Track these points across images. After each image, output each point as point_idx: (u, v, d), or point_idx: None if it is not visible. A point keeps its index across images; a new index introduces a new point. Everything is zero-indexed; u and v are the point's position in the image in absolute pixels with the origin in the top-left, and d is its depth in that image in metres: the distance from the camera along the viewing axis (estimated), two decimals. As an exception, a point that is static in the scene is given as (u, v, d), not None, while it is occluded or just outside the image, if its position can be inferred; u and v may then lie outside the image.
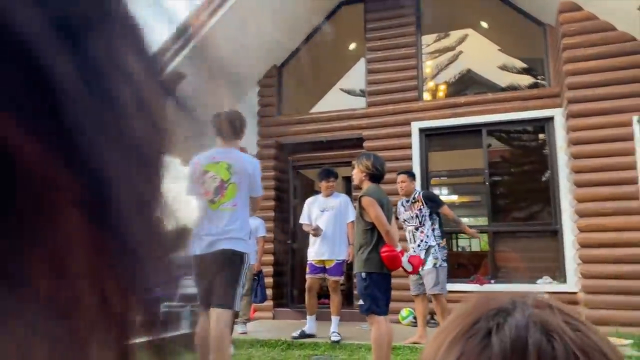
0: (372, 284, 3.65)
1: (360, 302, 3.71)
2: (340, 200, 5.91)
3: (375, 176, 3.89)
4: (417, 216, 5.38)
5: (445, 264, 5.24)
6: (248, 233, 3.42)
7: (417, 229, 5.38)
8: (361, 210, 3.78)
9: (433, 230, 5.30)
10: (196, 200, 3.35)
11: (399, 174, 5.63)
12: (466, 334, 0.44)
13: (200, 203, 3.27)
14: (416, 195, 5.46)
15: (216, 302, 3.19)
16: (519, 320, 0.43)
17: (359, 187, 4.11)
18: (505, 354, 0.41)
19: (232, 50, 7.44)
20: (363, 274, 3.66)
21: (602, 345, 0.43)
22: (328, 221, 5.67)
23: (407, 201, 5.50)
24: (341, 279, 5.91)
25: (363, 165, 3.89)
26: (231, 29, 7.09)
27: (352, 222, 4.92)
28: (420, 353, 0.47)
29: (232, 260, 3.22)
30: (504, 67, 7.87)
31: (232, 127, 3.43)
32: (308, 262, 5.89)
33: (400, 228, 5.09)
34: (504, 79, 7.80)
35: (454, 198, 10.66)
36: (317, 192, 6.56)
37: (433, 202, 5.40)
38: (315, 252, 5.79)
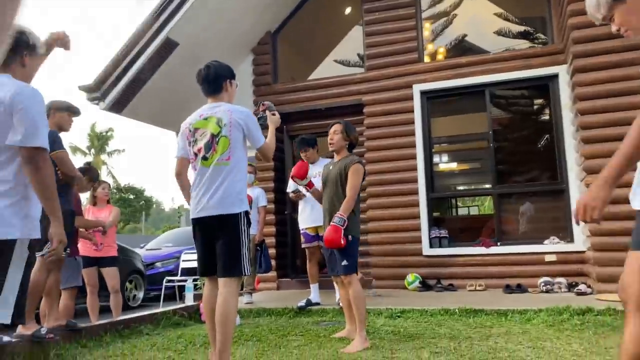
0: (354, 246, 3.80)
1: (345, 262, 3.73)
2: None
3: (353, 147, 4.06)
4: None
5: None
6: (244, 189, 3.12)
7: None
8: (346, 176, 3.81)
9: None
10: (191, 161, 3.19)
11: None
12: None
13: (195, 163, 3.12)
14: None
15: (223, 271, 2.98)
16: None
17: (332, 151, 4.07)
18: None
19: (223, 17, 7.20)
20: (350, 237, 3.73)
21: None
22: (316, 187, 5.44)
23: None
24: None
25: (352, 136, 4.01)
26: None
27: None
28: None
29: (232, 223, 3.00)
30: (500, 32, 7.61)
31: (215, 82, 3.21)
32: (302, 232, 5.75)
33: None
34: (503, 42, 7.56)
35: (453, 166, 10.53)
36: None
37: None
38: (305, 219, 5.66)
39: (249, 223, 3.07)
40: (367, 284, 7.00)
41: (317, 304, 5.50)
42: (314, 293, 5.60)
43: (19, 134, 2.20)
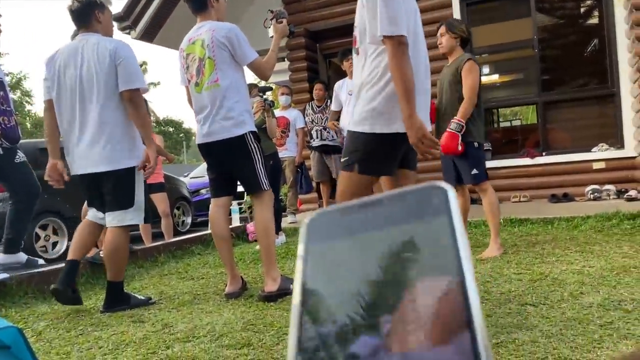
0: (479, 153, 3.57)
1: (474, 171, 3.53)
2: None
3: (467, 41, 3.66)
4: (321, 120, 6.31)
5: None
6: (245, 109, 2.96)
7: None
8: (461, 77, 3.51)
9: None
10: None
11: (316, 82, 6.68)
12: None
13: (191, 89, 3.05)
14: (328, 103, 6.32)
15: (247, 191, 3.16)
16: None
17: (444, 57, 3.77)
18: None
19: None
20: (476, 143, 3.53)
21: None
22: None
23: (319, 107, 6.42)
24: None
25: (458, 30, 3.63)
26: None
27: None
28: None
29: (238, 145, 2.94)
30: None
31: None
32: None
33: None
34: None
35: (495, 77, 10.11)
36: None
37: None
38: None
39: (257, 139, 3.01)
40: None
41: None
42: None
43: (125, 80, 2.86)
